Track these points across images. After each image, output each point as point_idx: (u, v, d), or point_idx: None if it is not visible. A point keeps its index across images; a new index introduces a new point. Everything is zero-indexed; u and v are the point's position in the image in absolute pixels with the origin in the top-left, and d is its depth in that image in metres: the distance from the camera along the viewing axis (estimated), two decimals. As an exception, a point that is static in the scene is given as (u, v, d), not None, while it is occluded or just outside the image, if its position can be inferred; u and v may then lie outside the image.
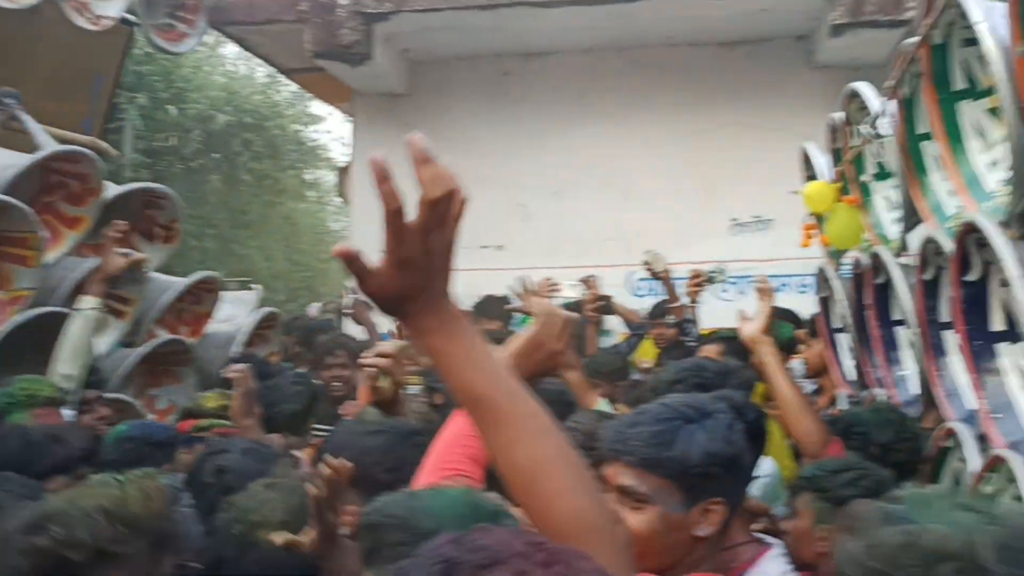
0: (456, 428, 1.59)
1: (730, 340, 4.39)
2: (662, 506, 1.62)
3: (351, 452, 1.92)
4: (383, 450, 2.06)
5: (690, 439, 1.62)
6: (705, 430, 1.64)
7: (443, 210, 1.02)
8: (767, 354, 2.93)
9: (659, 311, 5.53)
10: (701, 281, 5.47)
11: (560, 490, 1.08)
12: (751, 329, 3.04)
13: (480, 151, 7.11)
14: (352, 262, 1.05)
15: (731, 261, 6.99)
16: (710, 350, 4.01)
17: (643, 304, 6.46)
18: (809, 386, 4.71)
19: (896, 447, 2.56)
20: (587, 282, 5.87)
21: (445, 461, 1.56)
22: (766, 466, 2.93)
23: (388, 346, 2.53)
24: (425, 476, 1.57)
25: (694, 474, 1.61)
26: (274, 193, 14.89)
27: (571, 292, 5.85)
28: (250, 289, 6.68)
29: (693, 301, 5.40)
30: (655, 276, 5.71)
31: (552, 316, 1.60)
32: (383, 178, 1.00)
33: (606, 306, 5.98)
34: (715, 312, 5.96)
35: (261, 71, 13.56)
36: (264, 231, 14.62)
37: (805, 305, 5.03)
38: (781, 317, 5.39)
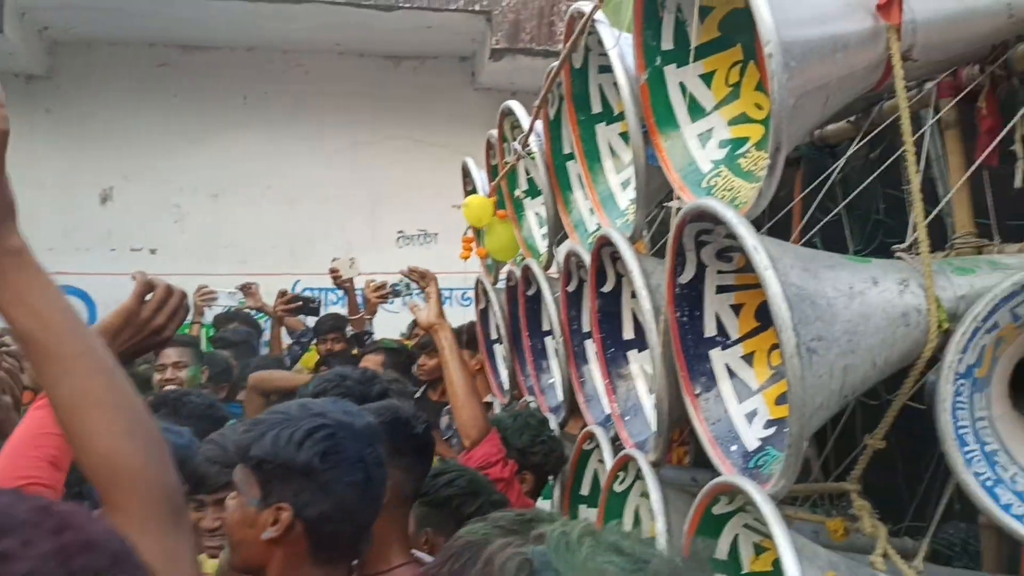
0: (31, 426, 1.46)
1: (392, 351, 4.41)
2: (243, 496, 1.65)
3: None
4: None
5: (271, 436, 1.64)
6: (286, 431, 1.64)
7: None
8: (444, 338, 3.05)
9: (327, 325, 5.37)
10: (385, 293, 5.48)
11: (98, 430, 1.09)
12: (427, 315, 3.14)
13: (130, 145, 6.63)
14: None
15: (398, 274, 7.05)
16: (372, 360, 3.98)
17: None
18: None
19: (533, 450, 2.71)
20: (246, 289, 5.66)
21: (18, 468, 1.41)
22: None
23: None
24: None
25: (266, 469, 1.63)
26: None
27: (229, 300, 5.61)
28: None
29: (372, 313, 5.42)
30: (339, 284, 5.61)
31: (150, 289, 1.55)
32: None
33: (304, 307, 5.75)
34: (382, 322, 6.01)
35: None
36: None
37: (469, 317, 5.19)
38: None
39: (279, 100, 7.09)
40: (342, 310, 5.78)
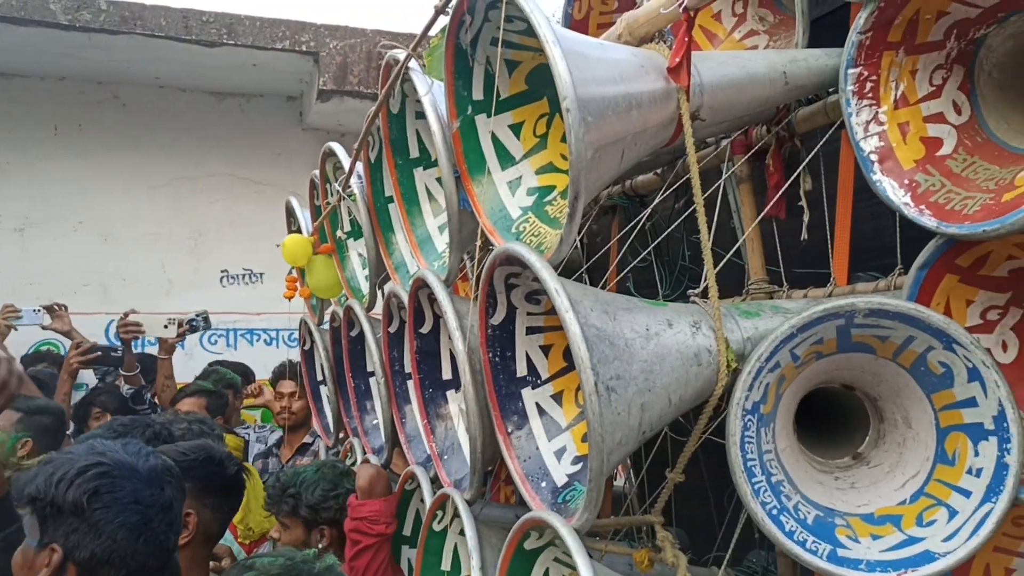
0: None
1: (211, 393, 4.28)
2: (29, 538, 1.63)
3: None
4: None
5: (45, 475, 1.63)
6: (60, 470, 1.63)
7: None
8: None
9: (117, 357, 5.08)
10: (183, 331, 5.27)
11: None
12: None
13: (-73, 173, 6.14)
14: None
15: (222, 313, 6.86)
16: (191, 403, 3.86)
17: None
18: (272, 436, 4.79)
19: (325, 505, 2.71)
20: (51, 310, 5.34)
21: None
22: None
23: None
24: None
25: (39, 509, 1.61)
26: None
27: (32, 320, 5.22)
28: None
29: (169, 352, 5.19)
30: (128, 336, 5.21)
31: None
32: None
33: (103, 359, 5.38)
34: (204, 364, 5.82)
35: None
36: None
37: (295, 357, 5.11)
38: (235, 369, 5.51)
39: (94, 132, 6.78)
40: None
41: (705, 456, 2.06)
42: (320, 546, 2.72)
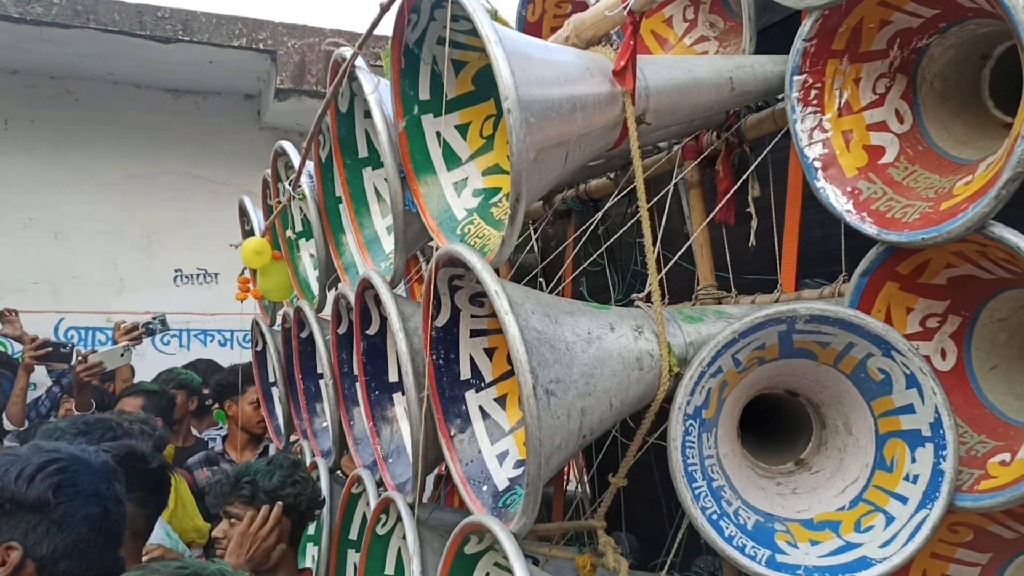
0: None
1: (151, 393, 4.22)
2: None
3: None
4: None
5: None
6: (15, 467, 1.62)
7: None
8: None
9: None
10: (138, 334, 5.19)
11: None
12: None
13: None
14: None
15: (175, 313, 6.74)
16: (131, 403, 3.79)
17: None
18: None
19: (283, 491, 2.65)
20: (3, 316, 5.27)
21: None
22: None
23: None
24: None
25: None
26: None
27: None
28: None
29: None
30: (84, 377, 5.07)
31: None
32: None
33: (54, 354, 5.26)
34: (156, 364, 5.73)
35: None
36: None
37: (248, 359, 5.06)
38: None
39: (45, 127, 6.63)
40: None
41: (657, 461, 2.06)
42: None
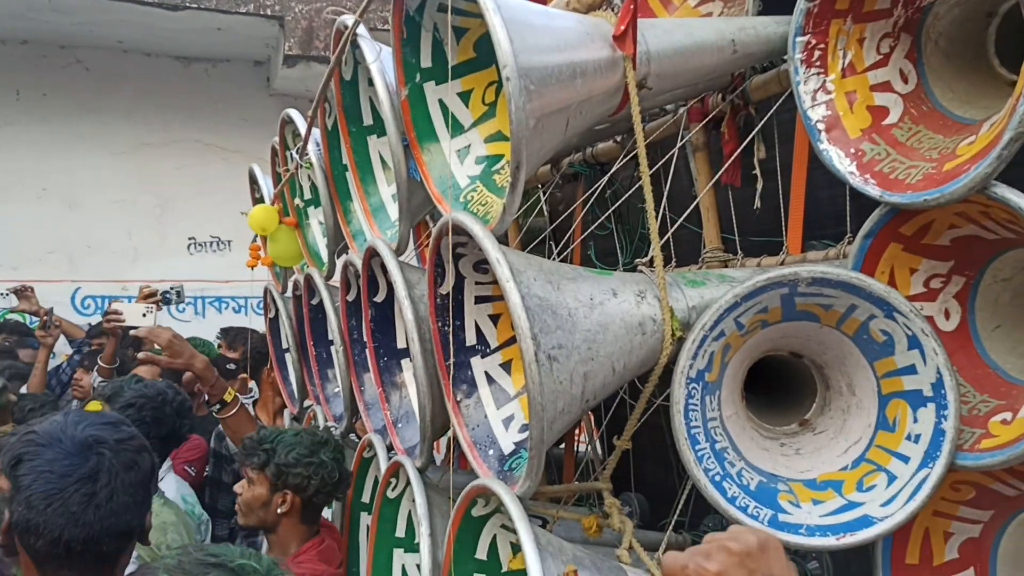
0: None
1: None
2: None
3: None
4: None
5: None
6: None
7: None
8: None
9: (98, 330, 5.12)
10: (156, 300, 5.23)
11: None
12: None
13: None
14: None
15: (189, 281, 6.79)
16: (146, 371, 3.84)
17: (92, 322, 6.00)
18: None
19: (295, 470, 2.68)
20: (20, 292, 5.31)
21: None
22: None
23: None
24: None
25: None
26: None
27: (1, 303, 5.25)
28: None
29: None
30: (110, 328, 5.20)
31: None
32: None
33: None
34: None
35: None
36: None
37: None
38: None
39: (57, 97, 6.66)
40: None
41: (666, 422, 2.08)
42: (280, 511, 2.69)
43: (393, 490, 2.39)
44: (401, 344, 2.46)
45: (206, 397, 3.46)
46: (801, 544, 1.70)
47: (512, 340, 1.99)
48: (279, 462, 2.63)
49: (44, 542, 1.63)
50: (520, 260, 1.62)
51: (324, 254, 3.26)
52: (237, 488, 2.76)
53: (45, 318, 5.03)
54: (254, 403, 4.99)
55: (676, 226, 2.22)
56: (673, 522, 2.29)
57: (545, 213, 3.40)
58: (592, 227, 2.69)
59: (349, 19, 2.16)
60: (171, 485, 3.48)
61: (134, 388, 3.13)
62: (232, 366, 5.25)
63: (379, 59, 2.00)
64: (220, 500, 4.19)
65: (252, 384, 5.28)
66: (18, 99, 6.63)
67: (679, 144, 2.37)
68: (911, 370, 1.72)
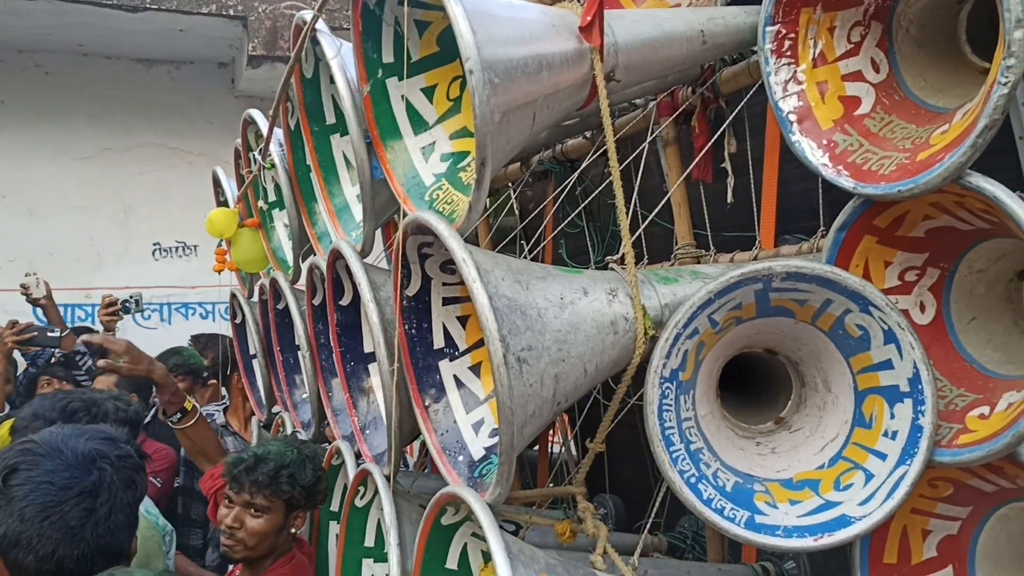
0: None
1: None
2: None
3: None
4: None
5: None
6: None
7: None
8: None
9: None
10: (116, 310, 5.13)
11: None
12: None
13: None
14: None
15: (154, 287, 6.69)
16: (104, 381, 3.75)
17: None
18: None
19: (317, 487, 2.58)
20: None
21: None
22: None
23: None
24: None
25: None
26: None
27: None
28: None
29: (108, 330, 5.04)
30: (34, 303, 5.16)
31: None
32: None
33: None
34: (137, 339, 5.66)
35: None
36: None
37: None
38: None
39: (16, 103, 6.52)
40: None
41: (641, 422, 2.03)
42: (294, 531, 2.57)
43: (361, 498, 2.33)
44: (368, 348, 2.39)
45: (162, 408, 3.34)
46: (779, 546, 1.66)
47: (481, 342, 1.93)
48: (304, 483, 2.48)
49: (34, 558, 1.55)
50: (487, 259, 1.57)
51: (289, 257, 3.19)
52: (232, 522, 2.50)
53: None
54: (225, 410, 4.90)
55: (647, 222, 2.18)
56: (649, 524, 2.24)
57: (515, 212, 3.35)
58: (562, 225, 2.64)
59: (308, 15, 2.10)
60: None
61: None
62: (205, 373, 5.15)
63: (340, 55, 1.94)
64: (193, 509, 4.10)
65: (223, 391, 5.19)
66: (-26, 103, 6.50)
67: (649, 139, 2.33)
68: (887, 365, 1.69)
